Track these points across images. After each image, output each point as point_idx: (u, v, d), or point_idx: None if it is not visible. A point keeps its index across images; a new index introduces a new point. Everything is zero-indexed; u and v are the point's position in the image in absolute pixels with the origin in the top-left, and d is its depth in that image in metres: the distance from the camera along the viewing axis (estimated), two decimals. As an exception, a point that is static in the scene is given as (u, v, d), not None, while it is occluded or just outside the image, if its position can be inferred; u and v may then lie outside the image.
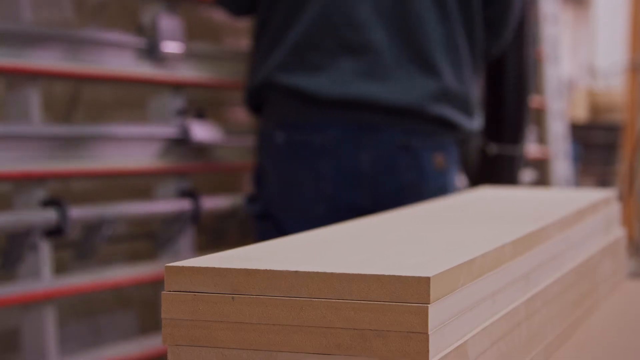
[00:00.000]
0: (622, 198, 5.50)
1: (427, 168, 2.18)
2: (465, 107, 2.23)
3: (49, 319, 2.67)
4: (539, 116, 5.36)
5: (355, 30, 2.17)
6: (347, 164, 2.18)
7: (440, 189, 2.20)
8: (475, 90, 2.29)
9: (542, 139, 5.39)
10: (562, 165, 5.46)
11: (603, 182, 7.56)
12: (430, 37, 2.17)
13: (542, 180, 5.32)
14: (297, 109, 2.26)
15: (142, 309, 3.38)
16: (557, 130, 5.50)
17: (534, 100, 4.54)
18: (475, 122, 2.29)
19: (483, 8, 2.27)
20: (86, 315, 3.18)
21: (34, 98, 2.66)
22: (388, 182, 2.17)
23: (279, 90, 2.26)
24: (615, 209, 1.72)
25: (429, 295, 0.83)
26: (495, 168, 2.79)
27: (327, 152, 2.19)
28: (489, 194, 1.74)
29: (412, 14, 2.18)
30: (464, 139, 2.31)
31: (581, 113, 7.96)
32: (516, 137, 2.78)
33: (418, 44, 2.17)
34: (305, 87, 2.20)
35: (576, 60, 9.14)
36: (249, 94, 2.37)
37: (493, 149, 2.78)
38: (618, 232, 1.71)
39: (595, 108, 8.09)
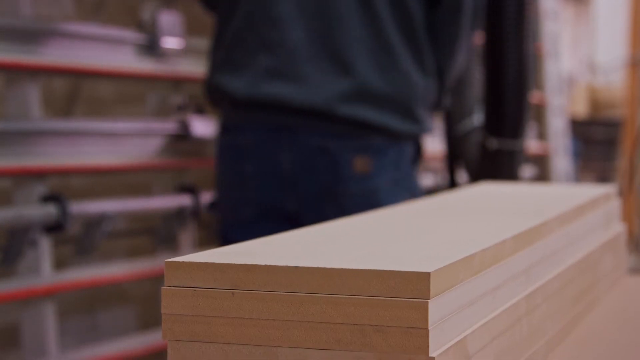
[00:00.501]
0: (622, 194, 5.50)
1: (345, 171, 2.10)
2: (396, 108, 2.13)
3: (49, 315, 2.67)
4: (539, 112, 5.36)
5: (274, 27, 2.12)
6: (269, 167, 2.13)
7: (365, 193, 2.12)
8: (430, 92, 2.21)
9: (542, 135, 5.39)
10: (562, 161, 5.46)
11: (603, 178, 7.56)
12: (349, 35, 2.09)
13: (542, 176, 5.32)
14: (226, 110, 2.24)
15: (141, 304, 3.38)
16: (557, 126, 5.50)
17: (534, 96, 4.54)
18: (420, 125, 2.19)
19: (428, 13, 2.19)
20: (86, 310, 3.18)
21: (33, 94, 2.66)
22: (308, 185, 2.11)
23: (212, 91, 2.24)
24: (615, 205, 1.72)
25: (429, 290, 0.83)
26: (495, 163, 2.79)
27: (250, 154, 2.16)
28: (489, 190, 1.74)
29: (334, 12, 2.10)
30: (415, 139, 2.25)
31: (581, 109, 7.96)
32: (516, 132, 2.77)
33: (334, 42, 2.09)
34: (227, 88, 2.17)
35: (576, 56, 9.14)
36: (204, 95, 2.35)
37: (493, 144, 2.78)
38: (618, 228, 1.71)
39: (595, 104, 8.09)
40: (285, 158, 2.11)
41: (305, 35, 2.10)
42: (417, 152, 2.27)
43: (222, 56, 2.21)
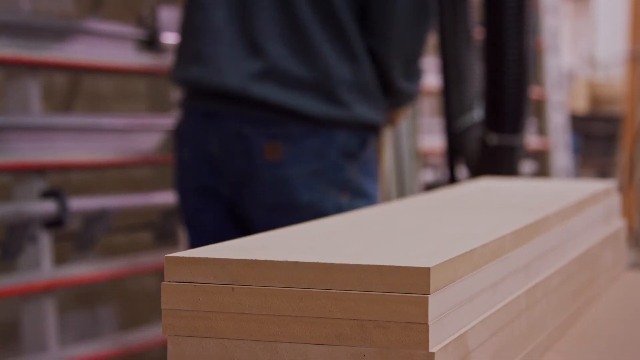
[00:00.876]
0: (622, 189, 5.50)
1: (256, 157, 2.04)
2: (313, 92, 2.04)
3: (49, 310, 2.68)
4: (539, 107, 5.36)
5: (200, 12, 2.11)
6: (201, 152, 2.12)
7: (276, 181, 2.05)
8: (363, 77, 2.07)
9: (542, 130, 5.39)
10: (562, 156, 5.46)
11: (603, 173, 7.56)
12: (262, 18, 2.04)
13: (542, 171, 5.32)
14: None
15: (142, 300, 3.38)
16: (557, 121, 5.50)
17: (534, 92, 4.54)
18: (348, 111, 2.07)
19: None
20: (86, 305, 3.18)
21: (33, 89, 2.66)
22: (230, 170, 2.09)
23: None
24: (615, 200, 1.72)
25: (428, 285, 0.83)
26: (495, 159, 2.79)
27: (187, 141, 2.15)
28: (489, 185, 1.74)
29: None
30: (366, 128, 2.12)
31: (581, 104, 7.96)
32: (516, 127, 2.77)
33: (249, 25, 2.06)
34: (172, 75, 2.21)
35: (576, 51, 9.14)
36: None
37: (493, 139, 2.78)
38: (618, 223, 1.71)
39: (595, 99, 8.09)
40: (213, 143, 2.10)
41: (224, 19, 2.07)
42: (364, 145, 2.11)
43: (177, 44, 2.23)
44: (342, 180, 2.07)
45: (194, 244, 2.17)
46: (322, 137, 2.05)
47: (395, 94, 2.18)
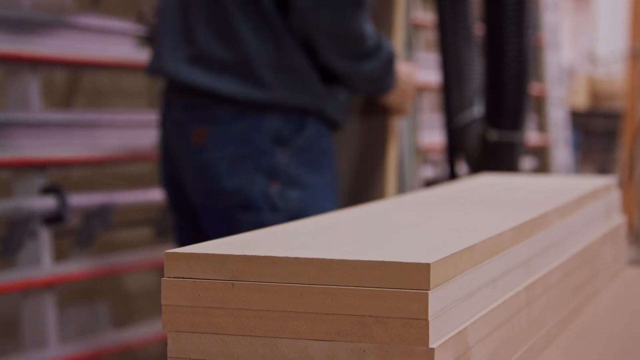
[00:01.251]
0: (622, 186, 5.50)
1: (187, 143, 2.02)
2: (236, 75, 1.98)
3: (49, 306, 2.68)
4: (539, 103, 5.36)
5: (161, 2, 2.14)
6: (163, 142, 2.14)
7: (201, 166, 2.00)
8: (290, 59, 1.99)
9: (542, 127, 5.39)
10: (562, 152, 5.46)
11: (603, 169, 7.56)
12: (194, 2, 2.03)
13: (542, 167, 5.32)
14: None
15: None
16: (557, 117, 5.50)
17: (534, 88, 4.54)
18: (272, 93, 1.99)
19: None
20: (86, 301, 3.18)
21: (33, 85, 2.66)
22: (175, 158, 2.08)
23: None
24: (615, 196, 1.71)
25: (429, 281, 0.83)
26: (495, 155, 2.79)
27: (159, 132, 2.17)
28: (489, 181, 1.74)
29: None
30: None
31: (581, 100, 7.96)
32: (516, 123, 2.77)
33: (186, 11, 2.05)
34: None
35: (576, 48, 9.14)
36: None
37: (493, 135, 2.77)
38: (618, 219, 1.71)
39: (596, 95, 8.09)
40: (170, 132, 2.10)
41: (174, 7, 2.08)
42: (299, 131, 2.02)
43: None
44: (270, 167, 1.98)
45: (180, 237, 2.17)
46: (248, 121, 1.98)
47: (343, 76, 2.07)
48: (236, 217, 1.97)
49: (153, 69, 2.11)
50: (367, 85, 2.17)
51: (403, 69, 2.26)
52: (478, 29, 2.94)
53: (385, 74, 2.16)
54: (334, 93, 2.08)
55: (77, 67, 3.00)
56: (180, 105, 2.05)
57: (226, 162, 1.98)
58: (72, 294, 3.08)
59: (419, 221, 1.15)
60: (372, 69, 2.10)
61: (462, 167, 3.07)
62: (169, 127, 2.10)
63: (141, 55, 2.94)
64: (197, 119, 2.01)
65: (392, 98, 2.27)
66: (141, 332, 2.92)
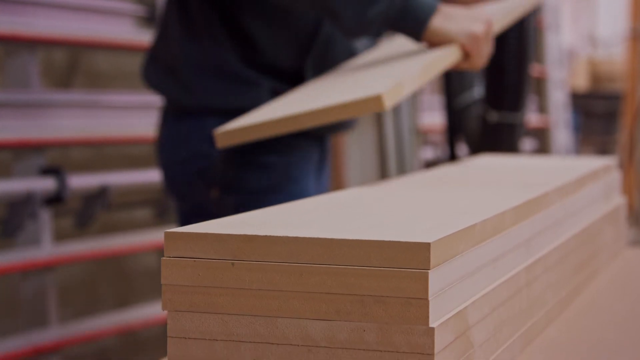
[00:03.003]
0: (622, 167, 5.50)
1: (158, 141, 1.93)
2: (170, 76, 1.87)
3: (49, 286, 2.68)
4: (540, 85, 5.35)
5: None
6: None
7: (160, 166, 1.91)
8: (214, 59, 1.82)
9: (542, 108, 5.38)
10: (562, 134, 5.46)
11: (603, 151, 7.55)
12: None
13: (542, 149, 5.32)
14: None
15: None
16: (558, 99, 5.50)
17: (534, 69, 4.53)
18: (195, 96, 1.82)
19: None
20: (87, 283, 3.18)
21: (32, 65, 2.65)
22: None
23: None
24: (615, 177, 1.71)
25: (429, 261, 0.83)
26: (495, 136, 2.79)
27: None
28: (489, 162, 1.74)
29: None
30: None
31: (582, 82, 7.95)
32: (517, 104, 2.77)
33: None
34: None
35: (577, 29, 9.12)
36: None
37: (493, 116, 2.77)
38: (618, 200, 1.71)
39: (596, 77, 8.07)
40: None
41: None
42: None
43: None
44: (208, 171, 1.82)
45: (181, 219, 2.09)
46: (188, 124, 1.83)
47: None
48: (195, 220, 1.81)
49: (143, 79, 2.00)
50: (341, 11, 1.65)
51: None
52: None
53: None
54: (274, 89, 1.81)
55: (76, 48, 2.99)
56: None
57: (174, 164, 1.87)
58: (72, 275, 3.08)
59: (419, 201, 1.15)
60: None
61: (462, 148, 3.07)
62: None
63: (141, 36, 2.93)
64: (160, 117, 1.93)
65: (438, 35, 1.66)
66: (141, 313, 2.93)
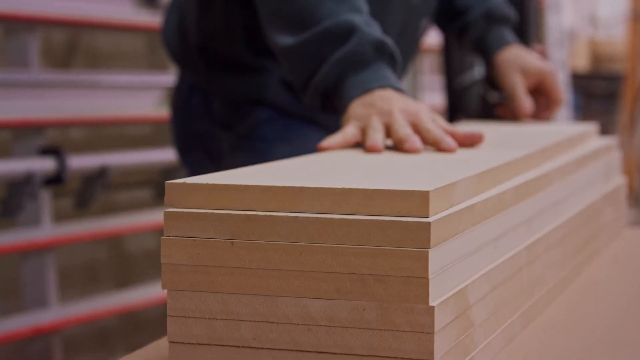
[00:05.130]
0: (623, 147, 5.50)
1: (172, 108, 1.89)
2: (181, 39, 1.79)
3: (49, 267, 2.68)
4: (540, 65, 5.34)
5: None
6: None
7: (173, 139, 1.89)
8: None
9: (543, 89, 5.37)
10: (562, 114, 5.45)
11: (604, 131, 7.54)
12: None
13: (543, 129, 5.32)
14: None
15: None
16: (558, 79, 5.48)
17: (535, 50, 4.52)
18: (202, 76, 1.74)
19: None
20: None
21: (32, 45, 2.65)
22: None
23: None
24: (615, 157, 1.71)
25: (429, 239, 0.83)
26: (496, 116, 2.78)
27: None
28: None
29: None
30: None
31: (582, 63, 7.93)
32: (517, 85, 2.76)
33: None
34: None
35: (577, 10, 9.09)
36: None
37: (494, 96, 2.77)
38: (618, 180, 1.71)
39: (597, 58, 8.06)
40: None
41: None
42: (243, 117, 1.73)
43: None
44: (215, 152, 1.77)
45: None
46: (198, 100, 1.77)
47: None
48: None
49: (161, 31, 1.89)
50: (289, 69, 1.48)
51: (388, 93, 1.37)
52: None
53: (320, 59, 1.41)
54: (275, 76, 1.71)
55: (76, 28, 2.98)
56: None
57: (181, 139, 1.83)
58: (72, 255, 3.09)
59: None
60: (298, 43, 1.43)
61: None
62: None
63: (141, 16, 2.92)
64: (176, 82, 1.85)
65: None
66: (141, 293, 2.93)
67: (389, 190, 0.85)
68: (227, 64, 1.71)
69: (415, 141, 1.23)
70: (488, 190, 1.02)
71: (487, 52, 1.87)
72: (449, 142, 1.25)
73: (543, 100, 1.86)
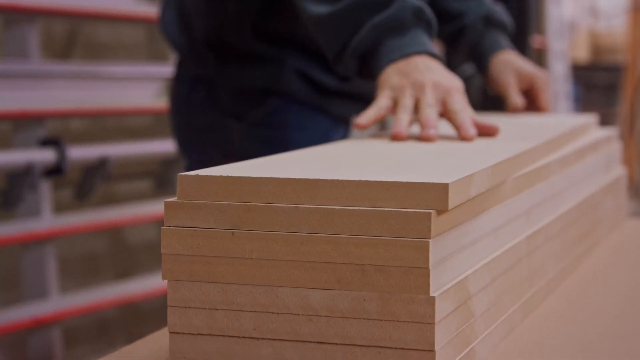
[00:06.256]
0: (623, 139, 5.50)
1: (171, 99, 1.87)
2: (190, 42, 1.76)
3: (49, 258, 2.68)
4: (540, 57, 5.34)
5: None
6: None
7: (172, 130, 1.89)
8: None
9: (543, 80, 5.36)
10: (562, 106, 5.45)
11: (604, 123, 7.54)
12: None
13: (543, 121, 5.31)
14: None
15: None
16: (558, 70, 5.48)
17: (535, 41, 4.51)
18: (211, 68, 1.72)
19: None
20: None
21: (32, 36, 2.64)
22: None
23: None
24: (616, 148, 1.71)
25: (430, 230, 0.82)
26: (496, 107, 2.78)
27: None
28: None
29: None
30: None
31: (582, 54, 7.92)
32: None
33: None
34: None
35: (578, 0, 9.08)
36: None
37: (494, 88, 2.76)
38: (619, 171, 1.71)
39: (597, 49, 8.05)
40: None
41: None
42: (256, 106, 1.72)
43: None
44: (225, 143, 1.75)
45: None
46: (203, 92, 1.76)
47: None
48: None
49: (159, 24, 1.86)
50: (324, 37, 1.47)
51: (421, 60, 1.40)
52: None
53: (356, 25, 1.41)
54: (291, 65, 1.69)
55: (75, 19, 2.98)
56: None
57: (189, 129, 1.80)
58: (72, 246, 3.09)
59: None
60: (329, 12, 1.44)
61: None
62: None
63: (141, 7, 2.92)
64: (175, 71, 1.82)
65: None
66: (142, 284, 2.93)
67: (406, 182, 0.84)
68: (238, 55, 1.69)
69: (432, 131, 1.27)
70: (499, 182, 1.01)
71: (482, 55, 1.86)
72: (469, 130, 1.29)
73: (529, 106, 1.86)
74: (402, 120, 1.29)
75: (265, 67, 1.70)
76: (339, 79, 1.69)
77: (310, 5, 1.46)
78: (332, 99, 1.71)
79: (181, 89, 1.80)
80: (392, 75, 1.36)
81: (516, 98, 1.82)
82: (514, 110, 1.81)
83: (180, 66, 1.82)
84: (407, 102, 1.32)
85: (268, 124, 1.72)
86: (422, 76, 1.34)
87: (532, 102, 1.85)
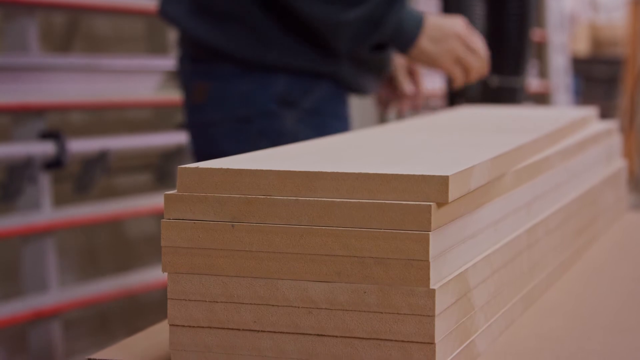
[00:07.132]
0: (623, 132, 5.50)
1: (188, 98, 1.82)
2: (243, 28, 1.74)
3: (49, 251, 2.68)
4: (541, 50, 5.33)
5: None
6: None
7: (200, 126, 1.81)
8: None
9: (543, 73, 5.36)
10: (563, 98, 5.44)
11: (604, 116, 7.53)
12: None
13: (543, 113, 5.31)
14: None
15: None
16: (559, 63, 5.48)
17: (535, 34, 4.51)
18: (275, 52, 1.74)
19: None
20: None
21: (31, 29, 2.64)
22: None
23: None
24: (616, 141, 1.71)
25: (430, 222, 0.82)
26: (496, 100, 2.78)
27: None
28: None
29: None
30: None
31: (583, 47, 7.92)
32: (518, 69, 2.76)
33: None
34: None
35: (578, -6, 9.07)
36: None
37: (494, 81, 2.76)
38: (619, 164, 1.70)
39: (597, 42, 8.04)
40: (181, 83, 1.91)
41: None
42: (308, 93, 1.77)
43: None
44: (275, 130, 1.75)
45: None
46: (252, 80, 1.75)
47: (322, 28, 1.72)
48: None
49: (160, 14, 1.88)
50: (351, 43, 1.72)
51: (434, 20, 1.77)
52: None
53: (382, 25, 1.70)
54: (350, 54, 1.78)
55: (75, 11, 2.98)
56: (188, 56, 1.83)
57: (227, 124, 1.77)
58: (72, 239, 3.09)
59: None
60: (357, 16, 1.69)
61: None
62: (181, 79, 1.90)
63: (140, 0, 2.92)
64: (200, 73, 1.80)
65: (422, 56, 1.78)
66: (141, 277, 2.93)
67: (407, 175, 0.84)
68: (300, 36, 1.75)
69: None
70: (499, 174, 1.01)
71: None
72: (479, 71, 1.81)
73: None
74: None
75: (323, 53, 1.76)
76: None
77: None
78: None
79: (219, 84, 1.78)
80: (428, 45, 1.75)
81: (406, 86, 1.98)
82: (402, 94, 1.98)
83: (219, 65, 1.78)
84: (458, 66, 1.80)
85: (322, 111, 1.81)
86: (446, 37, 1.77)
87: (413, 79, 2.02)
